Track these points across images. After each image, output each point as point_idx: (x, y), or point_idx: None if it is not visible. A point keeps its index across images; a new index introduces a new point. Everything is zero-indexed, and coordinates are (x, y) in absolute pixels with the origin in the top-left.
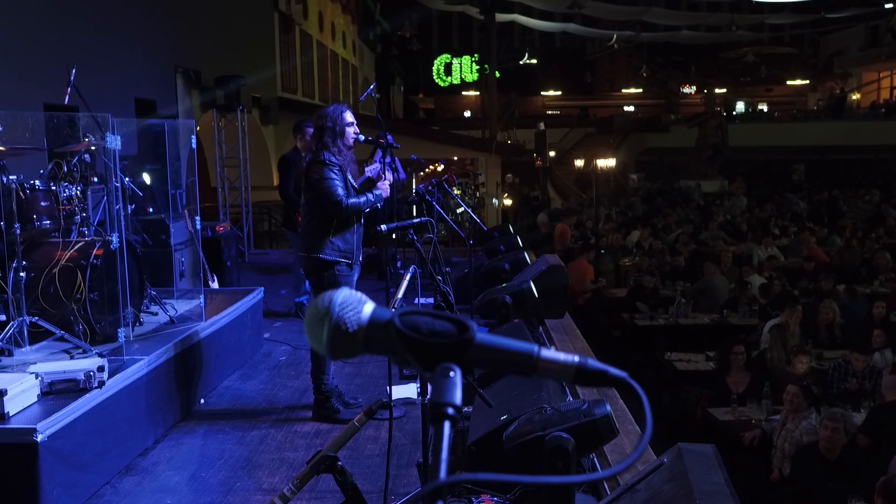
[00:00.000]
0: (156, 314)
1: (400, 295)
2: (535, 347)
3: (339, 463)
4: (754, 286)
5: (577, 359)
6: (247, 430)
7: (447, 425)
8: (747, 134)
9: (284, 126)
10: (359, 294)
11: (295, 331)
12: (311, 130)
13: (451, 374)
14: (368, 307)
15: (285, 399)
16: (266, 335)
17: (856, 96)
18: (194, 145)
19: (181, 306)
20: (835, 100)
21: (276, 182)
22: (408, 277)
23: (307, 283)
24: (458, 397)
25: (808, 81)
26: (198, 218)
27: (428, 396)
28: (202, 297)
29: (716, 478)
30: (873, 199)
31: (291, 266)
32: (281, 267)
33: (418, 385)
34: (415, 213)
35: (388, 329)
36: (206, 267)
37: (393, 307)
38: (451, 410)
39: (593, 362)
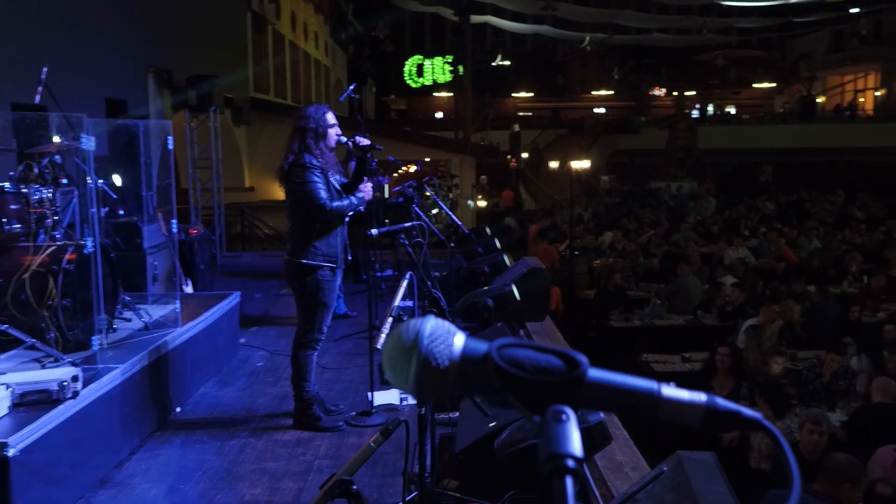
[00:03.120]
0: (129, 320)
1: (396, 302)
2: (655, 385)
3: (355, 487)
4: (728, 287)
5: (704, 398)
6: (225, 439)
7: (570, 481)
8: (716, 136)
9: (257, 127)
10: (447, 323)
11: (271, 336)
12: None
13: (564, 417)
14: (459, 339)
15: (264, 406)
16: (242, 340)
17: (821, 99)
18: (171, 146)
19: (155, 312)
20: (803, 102)
21: (248, 183)
22: (404, 284)
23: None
24: (578, 446)
25: (774, 84)
26: (174, 221)
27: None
28: (178, 301)
29: (719, 487)
30: (838, 200)
31: None
32: (255, 270)
33: (400, 391)
34: (392, 217)
35: (485, 364)
36: (180, 271)
37: (390, 314)
38: (572, 463)
39: (722, 401)
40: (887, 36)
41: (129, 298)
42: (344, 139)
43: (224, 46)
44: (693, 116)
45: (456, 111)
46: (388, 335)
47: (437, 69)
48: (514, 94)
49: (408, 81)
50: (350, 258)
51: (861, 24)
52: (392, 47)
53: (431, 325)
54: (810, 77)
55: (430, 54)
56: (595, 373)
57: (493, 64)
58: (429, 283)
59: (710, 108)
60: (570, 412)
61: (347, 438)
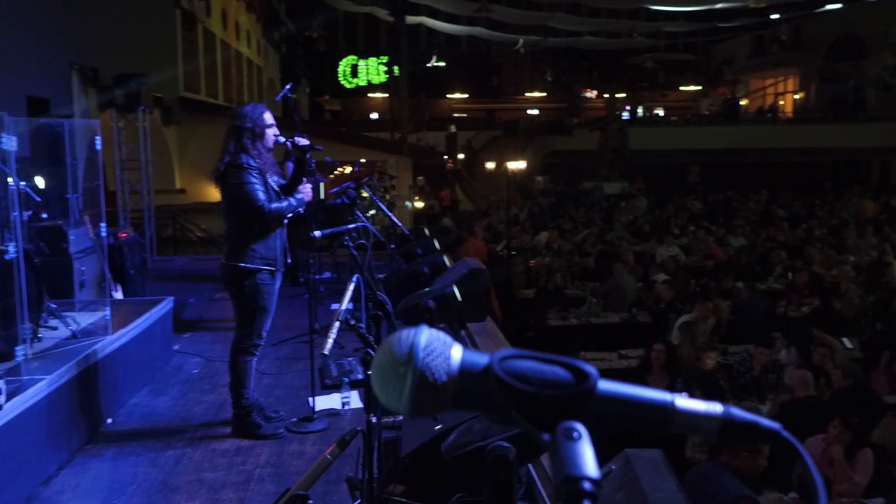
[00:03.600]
0: (55, 329)
1: (343, 306)
2: (669, 397)
3: (310, 501)
4: (658, 284)
5: (720, 409)
6: (160, 450)
7: None
8: (646, 137)
9: (188, 127)
10: (442, 334)
11: (206, 341)
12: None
13: (576, 435)
14: (457, 351)
15: (200, 415)
16: (176, 347)
17: (744, 102)
18: (99, 146)
19: (83, 319)
20: (728, 105)
21: (179, 185)
22: (351, 287)
23: None
24: (593, 466)
25: (700, 87)
26: (103, 224)
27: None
28: (108, 308)
29: (668, 484)
30: (762, 199)
31: None
32: (187, 274)
33: (343, 395)
34: (330, 219)
35: (486, 379)
36: (109, 276)
37: (337, 318)
38: (589, 486)
39: (739, 412)
40: (806, 41)
41: (54, 306)
42: (282, 139)
43: (152, 44)
44: (624, 118)
45: (391, 112)
46: (378, 349)
47: (372, 70)
48: (448, 96)
49: (342, 82)
50: (290, 261)
51: (781, 30)
52: (325, 47)
53: (427, 336)
54: (734, 80)
55: (364, 55)
56: (605, 385)
57: (428, 65)
58: (373, 285)
59: (640, 110)
60: (583, 429)
61: (288, 446)
